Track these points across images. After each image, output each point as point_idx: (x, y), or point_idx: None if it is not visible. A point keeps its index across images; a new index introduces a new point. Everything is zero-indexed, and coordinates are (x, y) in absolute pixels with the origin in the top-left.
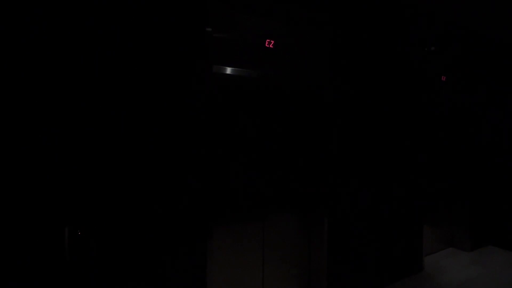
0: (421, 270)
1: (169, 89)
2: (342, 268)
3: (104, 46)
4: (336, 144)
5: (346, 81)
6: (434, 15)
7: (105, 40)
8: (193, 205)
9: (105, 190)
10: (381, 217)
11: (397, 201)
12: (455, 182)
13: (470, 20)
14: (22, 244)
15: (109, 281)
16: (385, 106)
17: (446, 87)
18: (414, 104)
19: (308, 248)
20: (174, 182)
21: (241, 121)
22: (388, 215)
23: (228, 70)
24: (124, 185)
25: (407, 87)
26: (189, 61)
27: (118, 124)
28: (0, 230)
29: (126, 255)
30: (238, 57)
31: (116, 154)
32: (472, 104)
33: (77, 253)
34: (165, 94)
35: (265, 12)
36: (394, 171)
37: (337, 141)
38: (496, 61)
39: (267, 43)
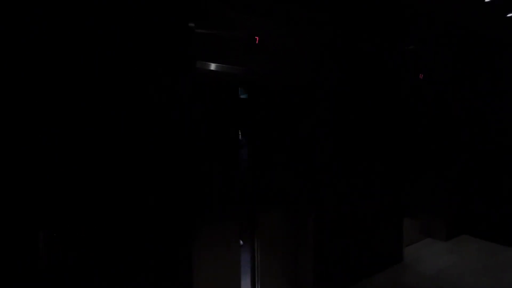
0: (402, 261)
1: (151, 90)
2: (328, 263)
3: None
4: (325, 146)
5: (341, 80)
6: (427, 15)
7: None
8: (177, 205)
9: (86, 191)
10: (365, 213)
11: (380, 197)
12: (433, 177)
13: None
14: None
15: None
16: (371, 103)
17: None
18: (396, 103)
19: (295, 245)
20: (156, 181)
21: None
22: (372, 211)
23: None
24: (103, 186)
25: (395, 88)
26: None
27: (95, 124)
28: None
29: (111, 256)
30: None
31: (95, 155)
32: (450, 100)
33: (53, 258)
34: (144, 94)
35: (264, 12)
36: (377, 168)
37: (327, 142)
38: (475, 57)
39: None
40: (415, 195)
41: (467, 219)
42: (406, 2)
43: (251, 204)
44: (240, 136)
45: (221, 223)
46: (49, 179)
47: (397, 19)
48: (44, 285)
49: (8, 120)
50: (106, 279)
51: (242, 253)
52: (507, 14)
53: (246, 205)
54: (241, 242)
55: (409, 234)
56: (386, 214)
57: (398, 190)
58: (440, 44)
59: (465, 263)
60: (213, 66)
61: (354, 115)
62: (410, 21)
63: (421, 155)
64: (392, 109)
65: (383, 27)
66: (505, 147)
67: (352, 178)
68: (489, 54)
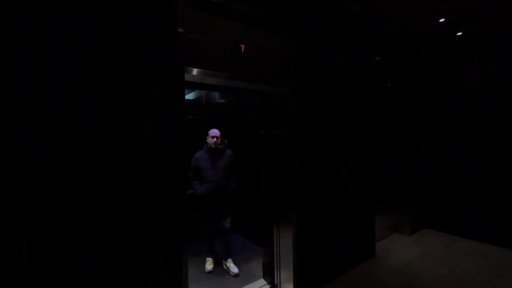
0: (374, 255)
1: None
2: (307, 258)
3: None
4: (303, 147)
5: (309, 86)
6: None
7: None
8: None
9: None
10: (341, 212)
11: (355, 196)
12: (400, 176)
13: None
14: None
15: None
16: (344, 107)
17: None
18: (366, 108)
19: (277, 241)
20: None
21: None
22: (347, 209)
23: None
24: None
25: (362, 93)
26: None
27: (79, 131)
28: None
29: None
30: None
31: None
32: (410, 103)
33: (36, 268)
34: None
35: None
36: (352, 169)
37: (305, 143)
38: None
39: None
40: (384, 194)
41: (427, 215)
42: (371, 23)
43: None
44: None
45: None
46: (31, 186)
47: (364, 35)
48: None
49: None
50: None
51: None
52: (457, 33)
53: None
54: None
55: (380, 230)
56: (361, 212)
57: (371, 191)
58: (399, 56)
59: (427, 254)
60: None
61: (328, 119)
62: (375, 37)
63: (386, 156)
64: (365, 113)
65: (350, 40)
66: (457, 147)
67: (329, 179)
68: (440, 65)
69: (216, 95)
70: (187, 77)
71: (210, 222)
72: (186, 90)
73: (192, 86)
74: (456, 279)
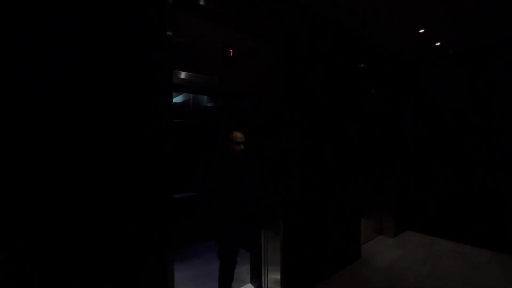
0: (360, 257)
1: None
2: (295, 262)
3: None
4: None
5: (299, 89)
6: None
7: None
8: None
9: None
10: (328, 216)
11: (341, 202)
12: (384, 180)
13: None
14: None
15: None
16: (331, 111)
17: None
18: (354, 113)
19: (265, 245)
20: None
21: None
22: (334, 214)
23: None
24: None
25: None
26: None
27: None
28: None
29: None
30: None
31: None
32: (392, 109)
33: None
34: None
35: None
36: (338, 175)
37: (296, 152)
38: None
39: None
40: (368, 197)
41: (410, 218)
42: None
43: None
44: None
45: None
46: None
47: (351, 43)
48: None
49: None
50: None
51: None
52: (436, 43)
53: None
54: None
55: (365, 233)
56: (347, 217)
57: (356, 194)
58: (379, 63)
59: (410, 255)
60: None
61: (316, 124)
62: (360, 47)
63: (374, 162)
64: (351, 118)
65: (338, 48)
66: (438, 151)
67: (316, 185)
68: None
69: (204, 98)
70: (175, 80)
71: (231, 256)
72: (174, 93)
73: (180, 89)
74: (436, 278)
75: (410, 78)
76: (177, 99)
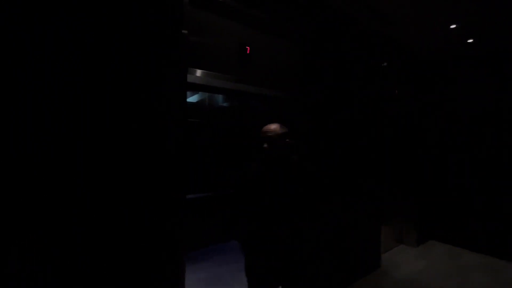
0: (379, 267)
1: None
2: (315, 270)
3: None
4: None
5: (316, 90)
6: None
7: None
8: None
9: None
10: (346, 226)
11: (359, 210)
12: (405, 185)
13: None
14: None
15: None
16: (348, 113)
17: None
18: (376, 117)
19: None
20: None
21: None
22: (353, 223)
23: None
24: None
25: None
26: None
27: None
28: None
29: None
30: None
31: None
32: (417, 111)
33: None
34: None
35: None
36: (356, 182)
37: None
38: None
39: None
40: (390, 203)
41: (434, 226)
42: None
43: None
44: None
45: None
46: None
47: (371, 41)
48: None
49: None
50: None
51: None
52: (468, 40)
53: None
54: None
55: (385, 242)
56: (366, 225)
57: (376, 200)
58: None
59: (434, 267)
60: None
61: (333, 125)
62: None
63: (395, 166)
64: (372, 122)
65: (357, 46)
66: (465, 157)
67: (334, 192)
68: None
69: (219, 97)
70: (189, 79)
71: None
72: (188, 93)
73: (195, 88)
74: None
75: (436, 79)
76: (193, 98)
